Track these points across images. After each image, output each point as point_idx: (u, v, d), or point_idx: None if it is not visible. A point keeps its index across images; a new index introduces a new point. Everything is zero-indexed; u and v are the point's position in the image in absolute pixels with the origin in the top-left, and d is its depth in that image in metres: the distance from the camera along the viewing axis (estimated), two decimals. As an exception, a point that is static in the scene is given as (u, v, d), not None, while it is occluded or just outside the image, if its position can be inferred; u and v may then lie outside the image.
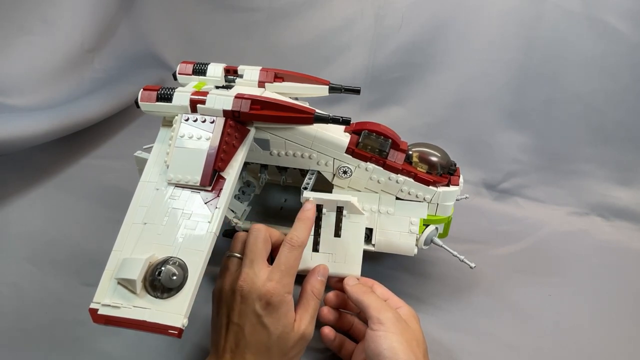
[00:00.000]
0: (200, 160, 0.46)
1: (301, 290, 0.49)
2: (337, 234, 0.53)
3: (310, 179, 0.55)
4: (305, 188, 0.53)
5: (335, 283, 0.54)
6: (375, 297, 0.47)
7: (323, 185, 0.55)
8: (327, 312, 0.52)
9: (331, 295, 0.53)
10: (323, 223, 0.52)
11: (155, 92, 0.50)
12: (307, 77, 0.55)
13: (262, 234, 0.47)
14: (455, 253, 0.56)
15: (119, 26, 1.06)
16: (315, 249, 0.53)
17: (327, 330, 0.51)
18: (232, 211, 0.60)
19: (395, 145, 0.54)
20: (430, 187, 0.54)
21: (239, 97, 0.48)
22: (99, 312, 0.39)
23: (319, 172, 0.56)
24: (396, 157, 0.54)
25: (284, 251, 0.46)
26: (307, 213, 0.49)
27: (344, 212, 0.52)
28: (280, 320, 0.43)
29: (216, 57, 0.60)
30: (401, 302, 0.50)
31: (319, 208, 0.52)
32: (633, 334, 0.59)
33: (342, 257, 0.52)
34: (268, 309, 0.43)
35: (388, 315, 0.44)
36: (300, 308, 0.47)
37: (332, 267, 0.52)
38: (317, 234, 0.53)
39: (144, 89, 0.50)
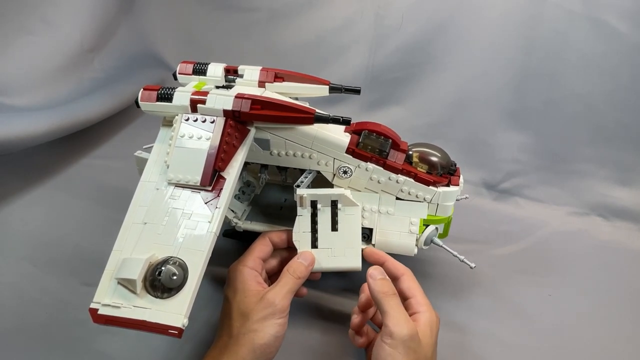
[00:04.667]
0: (201, 160, 0.45)
1: None
2: (334, 227, 0.53)
3: (306, 177, 0.55)
4: (298, 186, 0.53)
5: (373, 260, 0.53)
6: (395, 303, 0.45)
7: (323, 185, 0.55)
8: (360, 322, 0.51)
9: (363, 298, 0.52)
10: (319, 219, 0.53)
11: (156, 92, 0.49)
12: (307, 77, 0.55)
13: (263, 237, 0.54)
14: (455, 253, 0.56)
15: (119, 26, 1.06)
16: (314, 245, 0.53)
17: (363, 340, 0.51)
18: (232, 211, 0.59)
19: (396, 145, 0.54)
20: (431, 187, 0.54)
21: (239, 97, 0.48)
22: (99, 312, 0.39)
23: (318, 172, 0.56)
24: (396, 157, 0.54)
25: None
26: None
27: (339, 205, 0.52)
28: (237, 288, 0.48)
29: (216, 57, 0.60)
30: (425, 304, 0.47)
31: (314, 204, 0.52)
32: (633, 333, 0.59)
33: (342, 250, 0.53)
34: (228, 284, 0.50)
35: (402, 331, 0.42)
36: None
37: (333, 262, 0.52)
38: (314, 231, 0.53)
39: (144, 89, 0.50)
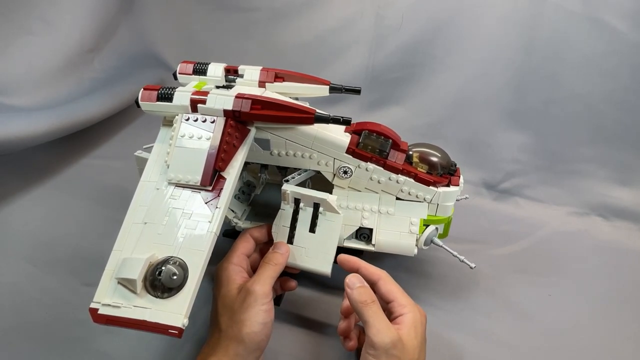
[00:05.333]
0: (201, 160, 0.45)
1: None
2: (312, 229, 0.53)
3: (299, 174, 0.55)
4: (287, 181, 0.53)
5: (347, 267, 0.52)
6: (374, 311, 0.45)
7: (324, 185, 0.55)
8: (346, 327, 0.51)
9: (344, 304, 0.52)
10: (300, 217, 0.53)
11: (156, 92, 0.50)
12: (307, 77, 0.55)
13: (244, 234, 0.55)
14: (455, 253, 0.56)
15: (119, 26, 1.06)
16: (290, 241, 0.53)
17: (352, 344, 0.51)
18: (232, 211, 0.59)
19: (396, 145, 0.54)
20: (431, 187, 0.54)
21: (239, 97, 0.48)
22: (99, 312, 0.39)
23: (319, 172, 0.56)
24: (396, 158, 0.54)
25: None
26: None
27: (320, 209, 0.53)
28: (222, 285, 0.49)
29: (216, 57, 0.60)
30: (408, 302, 0.47)
31: (297, 202, 0.53)
32: (633, 333, 0.59)
33: (315, 252, 0.53)
34: (215, 283, 0.50)
35: (384, 340, 0.42)
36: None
37: (303, 261, 0.53)
38: (292, 227, 0.53)
39: (145, 89, 0.50)
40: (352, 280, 0.47)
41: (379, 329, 0.43)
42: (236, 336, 0.44)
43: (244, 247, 0.53)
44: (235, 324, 0.44)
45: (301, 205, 0.53)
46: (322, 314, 0.59)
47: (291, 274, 0.58)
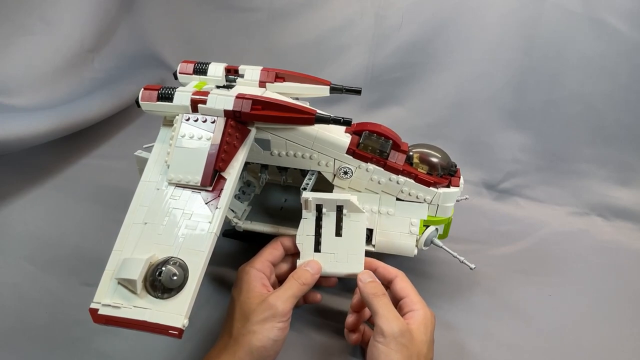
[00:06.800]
0: (201, 160, 0.45)
1: None
2: (338, 233, 0.52)
3: (310, 179, 0.55)
4: (305, 188, 0.53)
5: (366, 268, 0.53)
6: (385, 302, 0.46)
7: (324, 185, 0.55)
8: (355, 321, 0.52)
9: (355, 299, 0.53)
10: (324, 223, 0.52)
11: (156, 92, 0.50)
12: (308, 77, 0.55)
13: (275, 241, 0.55)
14: (455, 254, 0.56)
15: (119, 26, 1.06)
16: (317, 249, 0.52)
17: (356, 337, 0.52)
18: (233, 211, 0.59)
19: (396, 146, 0.54)
20: (431, 188, 0.54)
21: (240, 97, 0.48)
22: (99, 312, 0.39)
23: (319, 173, 0.56)
24: (397, 158, 0.54)
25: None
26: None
27: (344, 211, 0.52)
28: (242, 289, 0.48)
29: (216, 57, 0.60)
30: (419, 302, 0.48)
31: (319, 208, 0.52)
32: (633, 333, 0.59)
33: (344, 256, 0.52)
34: (235, 284, 0.51)
35: (393, 328, 0.43)
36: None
37: (335, 267, 0.52)
38: (318, 234, 0.52)
39: (145, 89, 0.50)
40: (364, 276, 0.50)
41: (388, 318, 0.44)
42: (245, 346, 0.44)
43: (271, 254, 0.53)
44: (248, 334, 0.44)
45: (323, 210, 0.52)
46: (329, 309, 0.60)
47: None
